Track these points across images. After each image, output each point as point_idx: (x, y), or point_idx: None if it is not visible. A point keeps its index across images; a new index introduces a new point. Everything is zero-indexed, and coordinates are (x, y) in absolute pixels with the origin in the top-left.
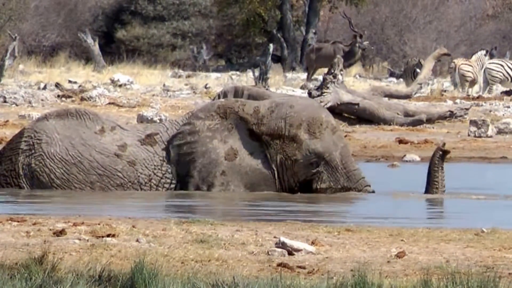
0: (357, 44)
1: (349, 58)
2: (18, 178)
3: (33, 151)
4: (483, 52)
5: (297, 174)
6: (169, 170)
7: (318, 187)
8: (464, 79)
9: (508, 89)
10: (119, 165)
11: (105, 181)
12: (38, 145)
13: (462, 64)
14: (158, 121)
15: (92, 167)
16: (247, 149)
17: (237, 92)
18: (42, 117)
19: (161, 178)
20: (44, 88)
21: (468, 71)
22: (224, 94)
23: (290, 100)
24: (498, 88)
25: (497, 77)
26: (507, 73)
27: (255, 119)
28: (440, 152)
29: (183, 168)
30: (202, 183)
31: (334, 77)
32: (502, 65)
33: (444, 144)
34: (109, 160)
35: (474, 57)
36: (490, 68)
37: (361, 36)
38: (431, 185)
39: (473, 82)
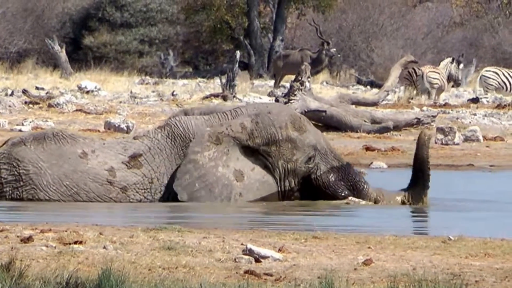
0: (324, 51)
1: (316, 65)
2: None
3: (21, 183)
4: (449, 59)
5: (298, 174)
6: (157, 191)
7: (317, 176)
8: (431, 86)
9: (475, 96)
10: (113, 193)
11: None
12: (26, 176)
13: (429, 71)
14: (125, 128)
15: (89, 198)
16: (249, 166)
17: (187, 115)
18: (18, 141)
19: (151, 201)
20: (11, 94)
21: (436, 79)
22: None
23: (262, 107)
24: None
25: (492, 85)
26: (503, 81)
27: (246, 135)
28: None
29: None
30: None
31: (302, 84)
32: (497, 73)
33: None
34: (103, 188)
35: (441, 64)
36: (486, 76)
37: (328, 43)
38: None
39: (440, 90)
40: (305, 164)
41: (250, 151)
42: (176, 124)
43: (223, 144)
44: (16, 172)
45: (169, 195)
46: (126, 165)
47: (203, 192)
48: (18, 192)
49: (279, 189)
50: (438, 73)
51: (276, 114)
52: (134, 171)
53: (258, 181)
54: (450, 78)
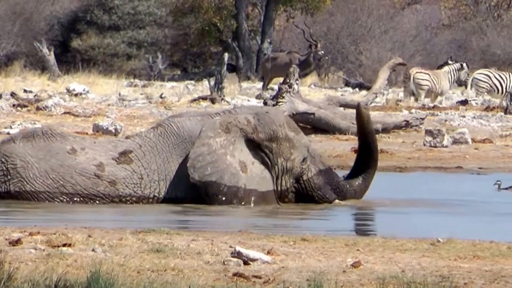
0: (312, 54)
1: (304, 68)
2: None
3: (8, 177)
4: (458, 65)
5: (294, 173)
6: (147, 187)
7: (309, 178)
8: (419, 88)
9: (464, 98)
10: (101, 187)
11: (88, 203)
12: (13, 170)
13: (417, 73)
14: (113, 130)
15: (75, 190)
16: (250, 159)
17: None
18: (8, 139)
19: (140, 196)
20: (0, 97)
21: (424, 80)
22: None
23: (257, 108)
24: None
25: (484, 88)
26: (494, 84)
27: (251, 129)
28: None
29: (211, 188)
30: (233, 198)
31: (290, 86)
32: (489, 76)
33: None
34: (90, 182)
35: (446, 68)
36: (477, 79)
37: (316, 46)
38: None
39: (430, 92)
40: (300, 164)
41: (252, 146)
42: (170, 124)
43: (231, 134)
44: (4, 167)
45: (160, 192)
46: (116, 161)
47: (213, 177)
48: (5, 186)
49: (275, 187)
50: (428, 75)
51: (274, 114)
52: (124, 166)
53: (258, 176)
54: (459, 83)
